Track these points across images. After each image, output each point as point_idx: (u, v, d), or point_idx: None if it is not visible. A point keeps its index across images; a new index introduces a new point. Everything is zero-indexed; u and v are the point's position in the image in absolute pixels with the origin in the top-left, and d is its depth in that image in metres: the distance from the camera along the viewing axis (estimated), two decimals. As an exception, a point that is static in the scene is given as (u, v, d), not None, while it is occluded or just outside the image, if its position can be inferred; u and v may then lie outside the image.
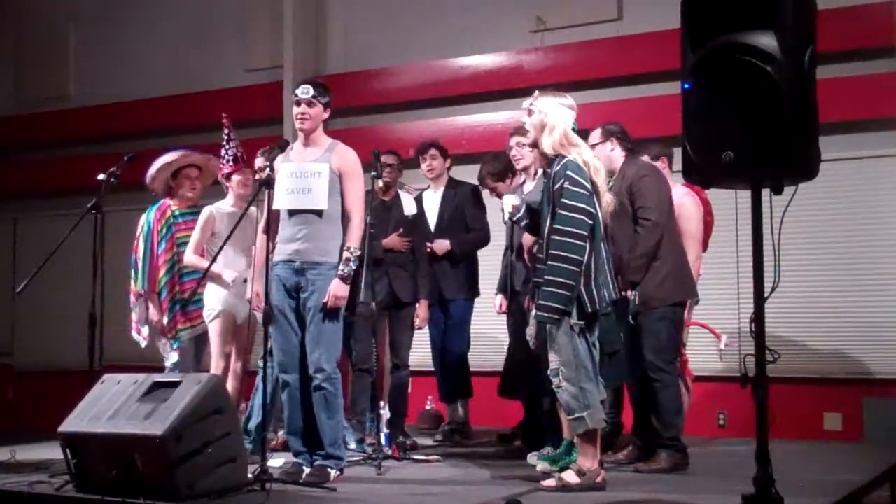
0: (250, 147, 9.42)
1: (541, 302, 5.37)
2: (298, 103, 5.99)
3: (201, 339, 7.34)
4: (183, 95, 11.05)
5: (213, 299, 7.11)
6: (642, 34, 8.96)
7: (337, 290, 5.80)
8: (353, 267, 5.85)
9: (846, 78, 8.13)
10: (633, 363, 6.34)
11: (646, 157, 6.84)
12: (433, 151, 7.94)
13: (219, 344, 7.21)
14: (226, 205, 7.36)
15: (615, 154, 6.44)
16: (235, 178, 7.38)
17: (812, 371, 8.21)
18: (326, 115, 6.05)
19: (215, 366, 7.14)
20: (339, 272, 5.80)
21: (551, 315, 5.34)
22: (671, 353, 6.32)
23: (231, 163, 7.43)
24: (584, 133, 6.06)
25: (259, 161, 7.03)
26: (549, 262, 5.35)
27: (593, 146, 6.42)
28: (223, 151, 7.48)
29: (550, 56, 9.53)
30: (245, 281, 6.67)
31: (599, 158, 6.35)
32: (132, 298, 7.33)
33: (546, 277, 5.35)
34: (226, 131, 7.51)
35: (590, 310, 5.35)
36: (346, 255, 5.83)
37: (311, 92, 5.97)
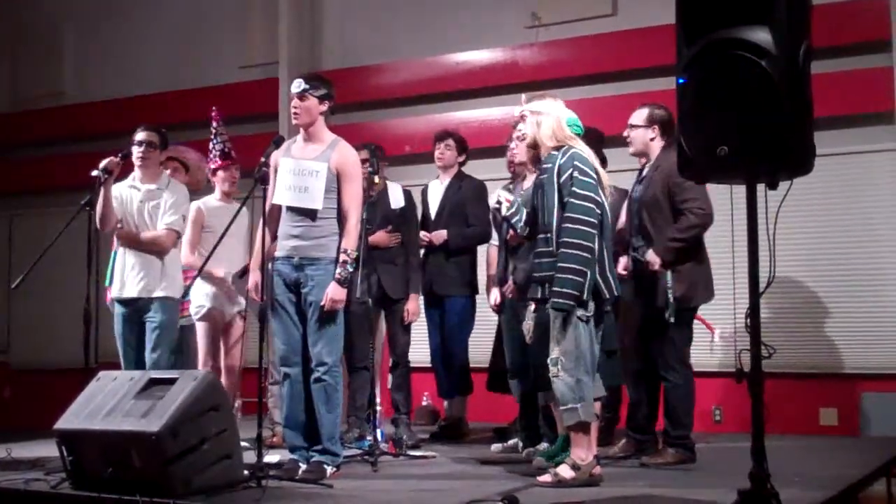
0: (246, 143, 9.43)
1: (556, 289, 5.34)
2: (292, 97, 6.01)
3: (184, 333, 7.30)
4: (178, 92, 11.04)
5: (201, 296, 7.09)
6: (637, 29, 8.96)
7: (334, 293, 5.80)
8: (350, 270, 5.85)
9: (841, 73, 8.13)
10: (639, 358, 6.37)
11: None
12: (449, 141, 7.87)
13: (206, 343, 7.21)
14: (212, 199, 7.36)
15: (654, 143, 6.37)
16: (221, 174, 7.38)
17: (808, 366, 8.22)
18: (324, 107, 6.01)
19: (202, 363, 7.14)
20: (336, 275, 5.80)
21: (567, 301, 5.31)
22: (684, 352, 6.32)
23: (218, 158, 7.41)
24: (592, 132, 6.07)
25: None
26: (563, 250, 5.35)
27: (634, 127, 6.40)
28: (210, 146, 7.46)
29: (546, 52, 9.53)
30: (242, 276, 6.66)
31: (635, 142, 6.38)
32: (107, 297, 7.30)
33: (560, 265, 5.35)
34: (214, 126, 7.48)
35: (607, 296, 5.41)
36: (342, 257, 5.83)
37: (303, 85, 5.95)
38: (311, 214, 5.89)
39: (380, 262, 7.31)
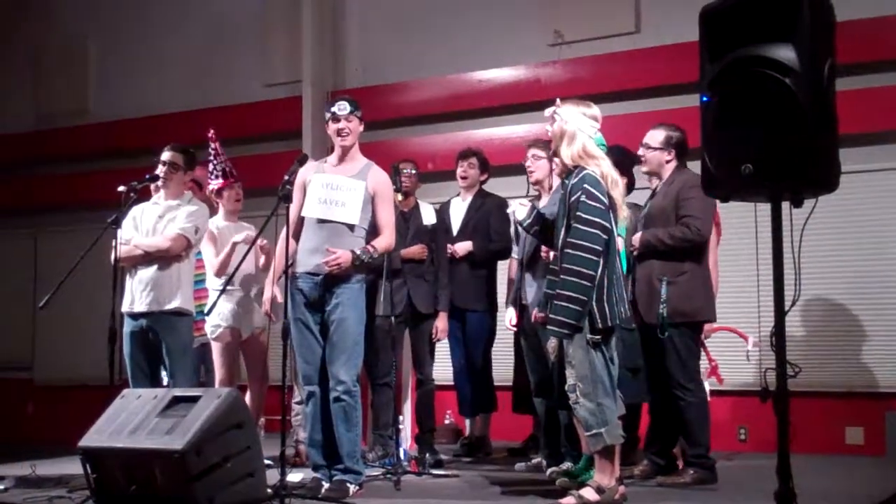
0: (270, 161, 9.46)
1: (552, 316, 5.32)
2: (337, 119, 6.06)
3: (204, 351, 7.32)
4: (202, 110, 11.07)
5: (216, 315, 7.08)
6: (660, 47, 8.95)
7: (343, 258, 5.80)
8: (366, 259, 5.87)
9: (867, 89, 8.09)
10: (653, 377, 6.33)
11: None
12: (473, 160, 7.93)
13: (222, 362, 7.21)
14: (218, 220, 7.36)
15: (669, 165, 6.39)
16: (226, 193, 7.40)
17: (833, 385, 8.15)
18: (362, 128, 6.15)
19: (219, 383, 7.14)
20: (354, 251, 5.83)
21: (561, 329, 5.29)
22: (694, 369, 6.28)
23: (220, 178, 7.43)
24: (617, 149, 6.05)
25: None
26: (562, 276, 5.29)
27: (650, 148, 6.38)
28: (210, 167, 7.47)
29: (568, 69, 9.52)
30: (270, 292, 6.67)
31: (651, 162, 6.36)
32: None
33: (558, 291, 5.30)
34: (212, 147, 7.50)
35: (600, 325, 5.28)
36: (368, 247, 5.89)
37: (349, 108, 6.06)
38: (342, 232, 5.91)
39: (410, 276, 7.33)
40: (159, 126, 11.19)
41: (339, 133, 6.07)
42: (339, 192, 5.97)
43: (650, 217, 6.33)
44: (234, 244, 7.04)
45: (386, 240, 6.03)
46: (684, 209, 6.19)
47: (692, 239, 6.15)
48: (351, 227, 5.94)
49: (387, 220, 6.06)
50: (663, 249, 6.18)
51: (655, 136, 6.42)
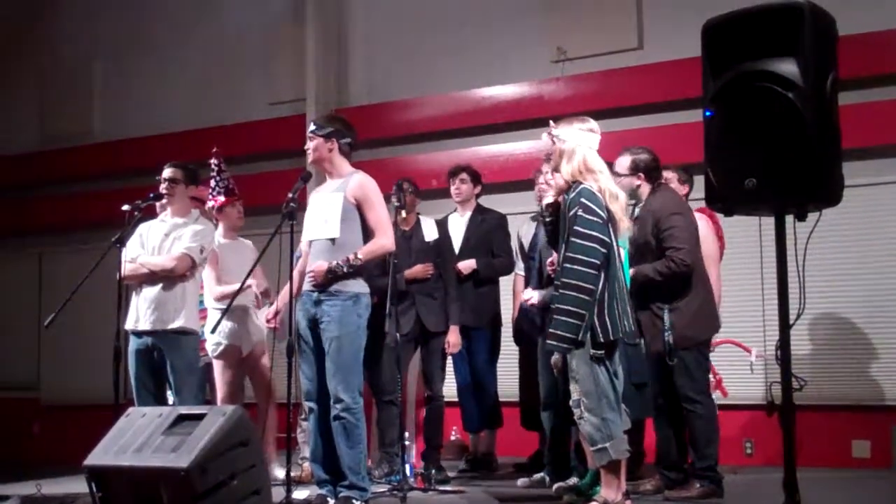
0: (274, 179, 9.48)
1: (551, 330, 5.31)
2: None
3: (208, 370, 7.31)
4: (206, 129, 11.09)
5: (216, 333, 7.07)
6: (663, 62, 8.96)
7: (315, 270, 5.87)
8: (344, 269, 5.88)
9: (869, 103, 8.10)
10: (664, 393, 6.31)
11: (670, 174, 6.81)
12: (463, 175, 7.96)
13: (225, 380, 7.20)
14: (218, 237, 7.36)
15: (642, 190, 6.39)
16: (230, 210, 7.41)
17: (839, 398, 8.14)
18: (331, 145, 6.11)
19: (220, 400, 7.13)
20: (330, 263, 5.85)
21: (560, 344, 5.28)
22: (703, 383, 6.28)
23: (223, 195, 7.44)
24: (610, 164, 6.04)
25: None
26: (561, 291, 5.29)
27: (619, 175, 6.39)
28: (212, 183, 7.48)
29: (571, 86, 9.53)
30: (273, 304, 6.69)
31: (624, 188, 6.35)
32: None
33: (557, 306, 5.30)
34: (215, 163, 7.52)
35: (602, 339, 5.26)
36: (348, 256, 5.89)
37: (311, 127, 6.17)
38: (328, 248, 5.94)
39: (418, 295, 7.33)
40: (164, 145, 11.21)
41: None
42: (322, 210, 6.03)
43: (637, 249, 6.30)
44: (243, 289, 6.96)
45: (377, 243, 6.02)
46: (666, 241, 6.17)
47: (679, 272, 6.14)
48: (335, 247, 5.95)
49: (376, 222, 6.03)
50: (652, 282, 6.17)
51: (622, 163, 6.42)
